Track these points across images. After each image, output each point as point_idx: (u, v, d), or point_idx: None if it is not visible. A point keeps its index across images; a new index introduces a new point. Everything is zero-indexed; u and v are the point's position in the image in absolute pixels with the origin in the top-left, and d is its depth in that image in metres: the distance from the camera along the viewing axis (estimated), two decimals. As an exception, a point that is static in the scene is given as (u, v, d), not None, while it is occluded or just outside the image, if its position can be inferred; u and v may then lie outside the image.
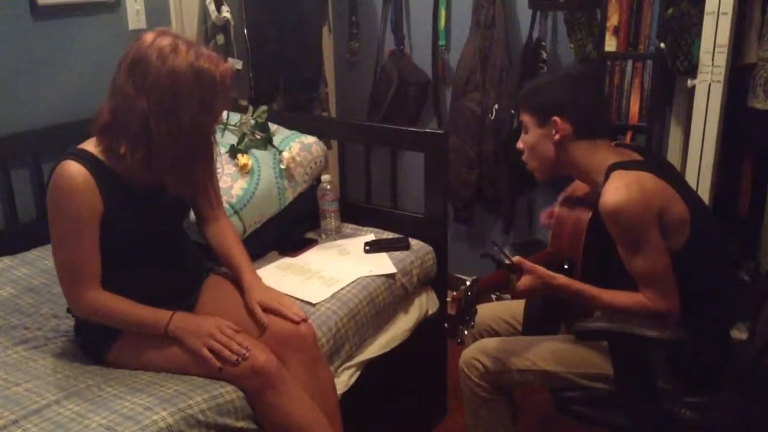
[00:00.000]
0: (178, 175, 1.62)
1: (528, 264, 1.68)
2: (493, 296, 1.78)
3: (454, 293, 1.62)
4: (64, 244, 1.61)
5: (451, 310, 1.60)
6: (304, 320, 1.75)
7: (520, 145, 1.81)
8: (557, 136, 1.71)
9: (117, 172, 1.61)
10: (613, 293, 1.68)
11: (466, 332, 1.58)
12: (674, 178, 1.74)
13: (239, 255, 1.84)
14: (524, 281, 1.67)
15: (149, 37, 1.55)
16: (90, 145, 1.61)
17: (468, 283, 1.62)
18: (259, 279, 1.83)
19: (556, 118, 1.70)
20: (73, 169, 1.55)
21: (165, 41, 1.53)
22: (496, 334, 1.98)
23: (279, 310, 1.73)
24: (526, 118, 1.76)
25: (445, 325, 1.61)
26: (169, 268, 1.77)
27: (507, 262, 1.67)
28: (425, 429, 2.46)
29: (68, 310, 1.79)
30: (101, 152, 1.60)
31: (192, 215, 1.92)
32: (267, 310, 1.74)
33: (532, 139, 1.76)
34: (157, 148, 1.55)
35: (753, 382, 1.56)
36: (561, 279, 1.69)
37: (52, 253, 1.65)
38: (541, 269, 1.68)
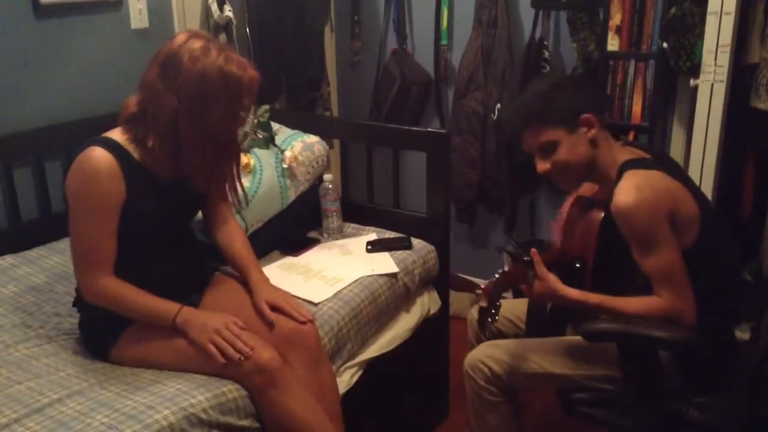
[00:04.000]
0: (205, 174, 1.66)
1: (542, 270, 1.66)
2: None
3: (482, 285, 1.63)
4: (83, 228, 1.62)
5: (482, 302, 1.61)
6: (311, 321, 1.76)
7: (546, 166, 1.70)
8: (592, 132, 1.67)
9: (142, 161, 1.64)
10: (629, 302, 1.66)
11: (494, 325, 1.61)
12: (683, 176, 1.73)
13: (247, 256, 1.86)
14: (536, 287, 1.67)
15: (182, 37, 1.59)
16: (115, 134, 1.65)
17: (496, 276, 1.64)
18: (267, 279, 1.84)
19: (586, 115, 1.66)
20: (100, 154, 1.58)
21: (197, 43, 1.57)
22: (501, 333, 1.97)
23: (286, 309, 1.75)
24: (551, 134, 1.67)
25: (476, 318, 1.65)
26: (177, 262, 1.79)
27: (525, 258, 1.67)
28: (427, 429, 2.46)
29: (74, 303, 1.80)
30: (127, 141, 1.63)
31: (198, 215, 1.93)
32: (275, 308, 1.75)
33: (567, 150, 1.68)
34: (184, 146, 1.59)
35: (760, 382, 1.56)
36: (573, 295, 1.66)
37: (70, 236, 1.66)
38: (553, 283, 1.66)
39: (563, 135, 1.68)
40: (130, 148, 1.64)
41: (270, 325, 1.72)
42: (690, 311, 1.61)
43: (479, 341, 1.97)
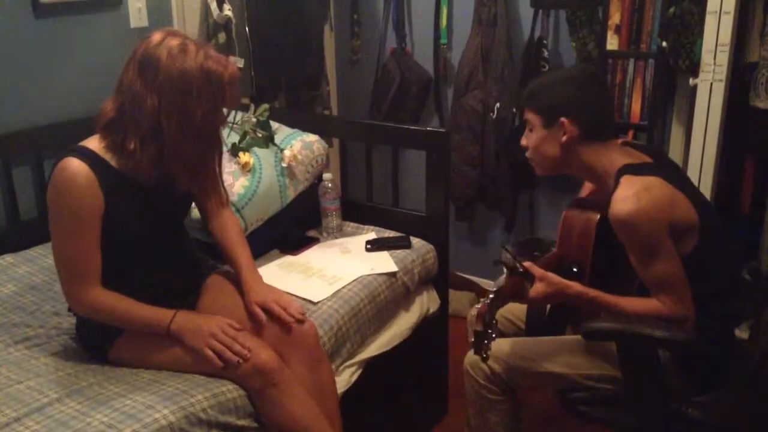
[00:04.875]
0: (189, 172, 1.63)
1: (539, 271, 1.65)
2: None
3: (478, 306, 1.57)
4: (64, 241, 1.60)
5: (477, 326, 1.56)
6: (301, 321, 1.74)
7: (524, 142, 1.78)
8: (564, 138, 1.68)
9: (120, 169, 1.61)
10: (628, 300, 1.66)
11: (491, 346, 1.57)
12: (683, 180, 1.72)
13: (240, 252, 1.84)
14: (536, 288, 1.65)
15: (158, 36, 1.56)
16: (92, 143, 1.61)
17: (491, 296, 1.60)
18: (259, 278, 1.82)
19: (563, 119, 1.67)
20: (75, 166, 1.55)
21: (174, 41, 1.54)
22: (501, 334, 1.97)
23: (277, 312, 1.73)
24: (531, 117, 1.73)
25: (471, 340, 1.58)
26: (170, 266, 1.77)
27: (521, 269, 1.65)
28: (426, 428, 2.46)
29: (70, 308, 1.79)
30: (104, 149, 1.60)
31: (194, 212, 1.93)
32: (265, 311, 1.74)
33: (538, 139, 1.73)
34: (168, 146, 1.56)
35: (760, 381, 1.56)
36: (576, 287, 1.66)
37: (52, 251, 1.64)
38: (553, 277, 1.65)
39: (540, 125, 1.72)
40: (108, 156, 1.60)
41: (262, 328, 1.71)
42: (690, 319, 1.62)
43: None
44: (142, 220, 1.67)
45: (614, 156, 1.69)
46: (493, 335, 1.57)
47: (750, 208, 2.56)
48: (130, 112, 1.55)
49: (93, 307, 1.63)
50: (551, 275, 1.66)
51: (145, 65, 1.53)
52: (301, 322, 1.74)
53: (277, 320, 1.73)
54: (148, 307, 1.65)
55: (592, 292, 1.67)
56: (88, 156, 1.58)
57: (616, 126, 2.56)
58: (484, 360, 1.59)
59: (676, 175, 1.71)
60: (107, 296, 1.63)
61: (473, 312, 1.57)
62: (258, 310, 1.73)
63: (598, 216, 1.70)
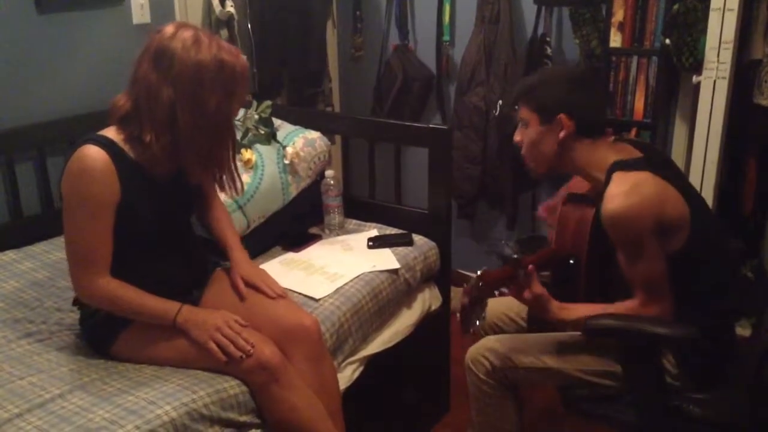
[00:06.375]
0: (201, 162, 1.65)
1: (538, 288, 1.68)
2: (496, 292, 1.79)
3: (465, 284, 1.64)
4: (78, 227, 1.61)
5: (463, 300, 1.63)
6: (281, 296, 1.80)
7: (518, 137, 1.79)
8: (562, 134, 1.69)
9: (137, 161, 1.62)
10: (605, 308, 1.68)
11: (478, 323, 1.62)
12: (674, 175, 1.72)
13: (230, 236, 1.91)
14: (527, 296, 1.69)
15: (170, 29, 1.58)
16: (111, 133, 1.63)
17: (479, 273, 1.65)
18: (246, 259, 1.88)
19: (562, 115, 1.68)
20: (95, 153, 1.56)
21: (187, 33, 1.57)
22: (502, 331, 1.98)
23: (261, 288, 1.79)
24: (527, 114, 1.74)
25: (458, 315, 1.64)
26: (177, 260, 1.78)
27: (515, 257, 1.68)
28: (428, 425, 2.47)
29: (74, 302, 1.80)
30: (122, 141, 1.62)
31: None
32: (249, 285, 1.80)
33: (534, 136, 1.74)
34: (182, 136, 1.57)
35: (761, 379, 1.56)
36: (560, 314, 1.71)
37: (64, 237, 1.65)
38: (547, 297, 1.70)
39: (537, 122, 1.73)
40: (126, 147, 1.62)
41: (243, 299, 1.77)
42: (665, 317, 1.63)
43: (479, 336, 1.98)
44: (154, 212, 1.68)
45: (605, 153, 1.70)
46: (483, 314, 1.64)
47: (753, 205, 2.56)
48: (145, 104, 1.57)
49: (100, 295, 1.64)
50: (546, 296, 1.70)
51: (160, 57, 1.55)
52: (281, 298, 1.80)
53: (283, 313, 1.75)
54: (156, 298, 1.66)
55: (573, 315, 1.70)
56: (107, 144, 1.59)
57: (620, 124, 2.56)
58: (472, 335, 1.66)
59: (666, 170, 1.70)
60: (116, 286, 1.64)
61: (460, 289, 1.64)
62: (241, 283, 1.79)
63: (593, 210, 1.71)
